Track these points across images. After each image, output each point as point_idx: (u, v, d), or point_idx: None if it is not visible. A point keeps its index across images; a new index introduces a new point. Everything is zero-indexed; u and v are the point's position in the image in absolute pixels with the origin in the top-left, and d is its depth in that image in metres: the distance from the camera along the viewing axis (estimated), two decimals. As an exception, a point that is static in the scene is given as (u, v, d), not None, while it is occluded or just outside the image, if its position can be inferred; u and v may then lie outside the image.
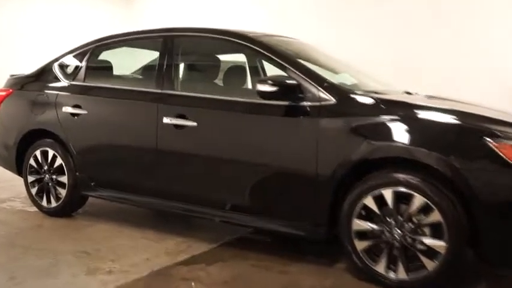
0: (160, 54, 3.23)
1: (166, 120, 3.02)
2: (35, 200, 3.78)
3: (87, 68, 3.60)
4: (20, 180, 3.99)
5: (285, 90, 2.59)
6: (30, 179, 3.78)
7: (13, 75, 4.11)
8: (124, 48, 3.61)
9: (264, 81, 2.61)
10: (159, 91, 3.13)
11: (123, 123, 3.30)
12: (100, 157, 3.45)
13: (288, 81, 2.61)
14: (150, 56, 3.44)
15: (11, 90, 3.91)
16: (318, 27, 6.05)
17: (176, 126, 3.00)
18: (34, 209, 3.85)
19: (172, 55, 3.18)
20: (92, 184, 3.46)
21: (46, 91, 3.70)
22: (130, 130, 3.26)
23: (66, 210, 3.68)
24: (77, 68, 3.65)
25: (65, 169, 3.56)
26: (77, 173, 3.51)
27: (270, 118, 2.72)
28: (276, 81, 2.59)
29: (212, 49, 3.48)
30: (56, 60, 3.80)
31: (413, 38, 5.50)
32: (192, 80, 3.44)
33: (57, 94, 3.62)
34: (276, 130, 2.69)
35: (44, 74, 3.83)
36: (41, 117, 3.67)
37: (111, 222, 3.56)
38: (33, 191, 3.77)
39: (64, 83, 3.64)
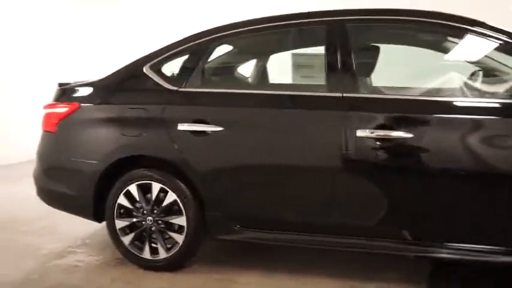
0: (328, 46, 2.44)
1: (361, 133, 2.28)
2: (128, 252, 2.77)
3: (205, 69, 2.68)
4: (60, 217, 3.04)
5: None
6: (121, 224, 2.76)
7: (64, 84, 3.02)
8: (252, 41, 2.72)
9: None
10: (342, 95, 2.35)
11: (284, 140, 2.43)
12: (248, 188, 2.54)
13: None
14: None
15: (77, 105, 2.83)
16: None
17: (379, 139, 2.26)
18: (117, 262, 2.86)
19: (349, 47, 2.41)
20: (236, 226, 2.57)
21: (143, 103, 2.70)
22: (295, 149, 2.41)
23: (182, 261, 2.73)
24: (187, 70, 2.70)
25: (182, 208, 2.62)
26: (208, 212, 2.60)
27: None
28: None
29: (412, 38, 2.71)
30: (147, 61, 2.77)
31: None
32: (387, 79, 2.64)
33: (164, 107, 2.64)
34: None
35: (130, 81, 2.80)
36: (138, 139, 2.66)
37: (251, 269, 2.71)
38: (126, 239, 2.76)
39: (171, 91, 2.67)
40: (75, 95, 2.91)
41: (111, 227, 2.79)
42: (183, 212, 2.62)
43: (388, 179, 2.31)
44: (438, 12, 2.34)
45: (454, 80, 2.50)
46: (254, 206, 2.55)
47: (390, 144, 2.26)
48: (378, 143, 2.26)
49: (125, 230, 2.76)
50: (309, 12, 2.54)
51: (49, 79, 6.84)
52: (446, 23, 2.32)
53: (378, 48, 2.67)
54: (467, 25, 2.31)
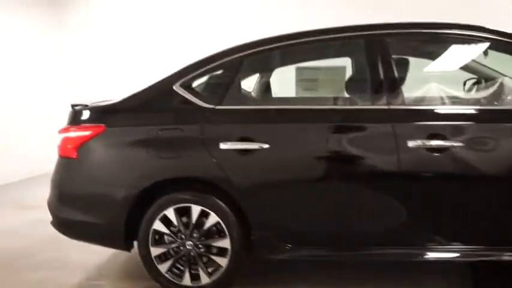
0: (369, 59, 2.47)
1: (413, 143, 2.32)
2: (166, 280, 2.63)
3: (240, 85, 2.60)
4: (62, 247, 2.94)
5: None
6: (157, 251, 2.61)
7: (78, 105, 2.82)
8: (286, 56, 2.68)
9: None
10: (389, 107, 2.39)
11: (333, 154, 2.42)
12: (298, 205, 2.49)
13: None
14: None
15: (102, 128, 2.65)
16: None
17: (430, 149, 2.32)
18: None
19: (388, 60, 2.45)
20: (286, 244, 2.51)
21: (178, 123, 2.57)
22: (345, 162, 2.42)
23: (225, 285, 2.63)
24: (221, 86, 2.62)
25: (225, 229, 2.53)
26: (255, 232, 2.52)
27: None
28: None
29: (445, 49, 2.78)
30: (177, 79, 2.66)
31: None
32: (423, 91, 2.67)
33: (202, 126, 2.54)
34: None
35: (160, 101, 2.67)
36: (177, 161, 2.54)
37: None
38: (163, 267, 2.61)
39: (207, 109, 2.57)
40: (99, 116, 2.72)
41: (146, 255, 2.63)
42: (227, 233, 2.53)
43: (441, 186, 2.36)
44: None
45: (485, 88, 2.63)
46: (304, 222, 2.50)
47: (440, 153, 2.32)
48: (429, 152, 2.32)
49: (162, 257, 2.62)
50: (348, 26, 2.56)
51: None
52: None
53: (408, 60, 2.74)
54: (498, 36, 2.43)
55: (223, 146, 2.47)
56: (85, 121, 2.72)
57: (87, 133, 2.65)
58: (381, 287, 2.65)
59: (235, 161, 2.47)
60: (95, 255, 3.33)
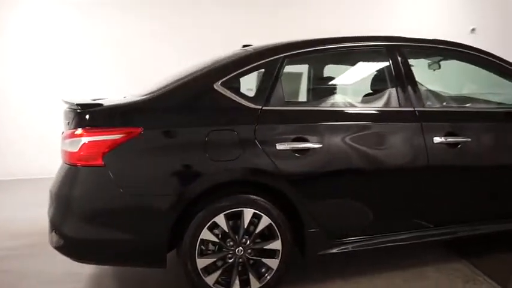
0: (394, 65, 2.77)
1: (437, 139, 2.72)
2: (213, 292, 2.45)
3: (283, 86, 2.59)
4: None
5: None
6: (204, 262, 2.42)
7: (85, 104, 2.39)
8: (324, 59, 2.82)
9: None
10: (415, 109, 2.73)
11: (376, 151, 2.64)
12: (346, 200, 2.62)
13: None
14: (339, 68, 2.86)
15: (138, 130, 2.30)
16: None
17: (448, 144, 2.74)
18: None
19: (405, 66, 2.80)
20: (337, 238, 2.61)
21: (229, 124, 2.43)
22: (388, 158, 2.65)
23: (274, 286, 2.57)
24: (264, 87, 2.56)
25: (277, 231, 2.50)
26: (308, 231, 2.54)
27: None
28: None
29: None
30: (217, 77, 2.50)
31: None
32: (435, 95, 3.01)
33: (255, 127, 2.45)
34: None
35: (201, 100, 2.47)
36: (234, 164, 2.39)
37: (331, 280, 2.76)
38: (210, 279, 2.43)
39: (255, 109, 2.49)
40: (131, 118, 2.37)
41: (191, 269, 2.41)
42: (278, 235, 2.51)
43: (460, 176, 2.84)
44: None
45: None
46: (355, 216, 2.66)
47: (456, 148, 2.77)
48: (448, 147, 2.75)
49: (208, 269, 2.44)
50: (379, 36, 2.87)
51: None
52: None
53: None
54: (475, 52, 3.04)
55: (280, 146, 2.45)
56: (110, 123, 2.34)
57: (117, 137, 2.29)
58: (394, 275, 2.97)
59: (292, 161, 2.48)
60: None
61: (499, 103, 3.20)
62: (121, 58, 6.26)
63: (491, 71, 3.06)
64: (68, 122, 2.47)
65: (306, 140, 2.50)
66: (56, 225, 2.37)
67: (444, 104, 2.99)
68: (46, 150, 5.91)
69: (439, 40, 2.98)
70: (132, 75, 5.72)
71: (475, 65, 3.07)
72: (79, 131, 2.32)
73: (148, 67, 5.90)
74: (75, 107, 2.42)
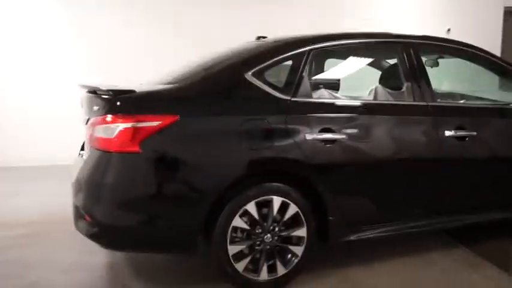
0: (410, 62, 2.92)
1: (448, 133, 2.89)
2: (242, 279, 2.51)
3: (309, 78, 2.67)
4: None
5: None
6: (235, 249, 2.47)
7: (112, 90, 2.37)
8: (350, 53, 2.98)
9: None
10: (428, 104, 2.88)
11: (395, 142, 2.79)
12: (366, 189, 2.74)
13: None
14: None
15: (175, 117, 2.31)
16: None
17: (457, 138, 2.92)
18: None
19: (419, 63, 2.95)
20: (359, 225, 2.73)
21: (261, 114, 2.48)
22: (405, 148, 2.81)
23: (299, 272, 2.65)
24: (292, 78, 2.62)
25: (303, 218, 2.59)
26: (332, 218, 2.64)
27: None
28: None
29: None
30: (248, 67, 2.54)
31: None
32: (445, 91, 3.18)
33: (286, 117, 2.51)
34: None
35: (235, 89, 2.51)
36: (269, 152, 2.45)
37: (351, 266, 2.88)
38: (240, 265, 2.49)
39: (284, 100, 2.55)
40: (167, 105, 2.37)
41: (222, 256, 2.45)
42: (304, 222, 2.60)
43: (467, 164, 3.03)
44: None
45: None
46: (373, 204, 2.79)
47: (464, 141, 2.96)
48: (457, 140, 2.93)
49: (238, 255, 2.49)
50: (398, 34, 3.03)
51: None
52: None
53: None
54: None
55: (309, 136, 2.54)
56: (146, 110, 2.33)
57: (154, 124, 2.29)
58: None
59: (320, 150, 2.57)
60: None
61: (496, 100, 3.44)
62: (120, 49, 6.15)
63: (495, 72, 3.30)
64: (97, 108, 2.43)
65: (332, 131, 2.60)
66: (88, 213, 2.34)
67: (450, 100, 3.18)
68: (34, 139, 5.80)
69: (452, 40, 3.18)
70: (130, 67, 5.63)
71: (483, 66, 3.30)
72: (115, 117, 2.30)
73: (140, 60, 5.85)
74: (107, 93, 2.39)
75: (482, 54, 3.19)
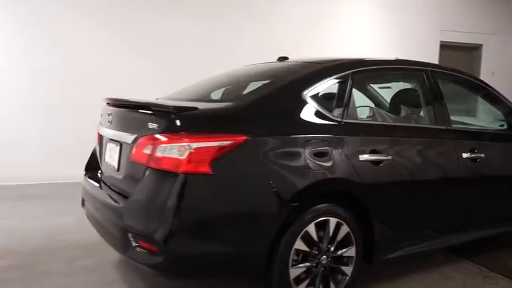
0: (434, 88, 3.15)
1: (465, 155, 3.13)
2: (299, 301, 2.44)
3: (353, 100, 2.72)
4: None
5: None
6: (296, 272, 2.41)
7: (184, 108, 2.23)
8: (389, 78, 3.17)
9: None
10: (448, 128, 3.11)
11: (428, 163, 2.95)
12: (409, 208, 2.87)
13: None
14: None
15: (243, 137, 2.21)
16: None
17: (471, 159, 3.17)
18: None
19: (439, 90, 3.18)
20: (402, 243, 2.85)
21: (321, 133, 2.48)
22: (435, 169, 2.99)
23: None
24: (340, 100, 2.66)
25: (353, 238, 2.61)
26: (377, 238, 2.68)
27: None
28: None
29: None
30: (304, 87, 2.54)
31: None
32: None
33: (342, 138, 2.54)
34: None
35: (295, 109, 2.47)
36: (326, 173, 2.43)
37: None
38: (299, 289, 2.43)
39: (338, 121, 2.59)
40: (234, 125, 2.27)
41: (284, 280, 2.38)
42: (353, 242, 2.62)
43: (481, 186, 3.28)
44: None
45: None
46: (412, 222, 2.91)
47: (476, 162, 3.22)
48: (471, 161, 3.18)
49: (298, 278, 2.43)
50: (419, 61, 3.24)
51: None
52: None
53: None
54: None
55: (361, 157, 2.59)
56: (214, 129, 2.22)
57: (225, 143, 2.19)
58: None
59: (371, 171, 2.63)
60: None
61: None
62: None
63: (487, 100, 3.67)
64: (156, 126, 2.25)
65: (379, 152, 2.68)
66: (150, 240, 2.13)
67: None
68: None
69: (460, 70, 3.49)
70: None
71: (482, 96, 3.67)
72: (184, 136, 2.15)
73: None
74: (168, 110, 2.24)
75: (488, 88, 3.57)
